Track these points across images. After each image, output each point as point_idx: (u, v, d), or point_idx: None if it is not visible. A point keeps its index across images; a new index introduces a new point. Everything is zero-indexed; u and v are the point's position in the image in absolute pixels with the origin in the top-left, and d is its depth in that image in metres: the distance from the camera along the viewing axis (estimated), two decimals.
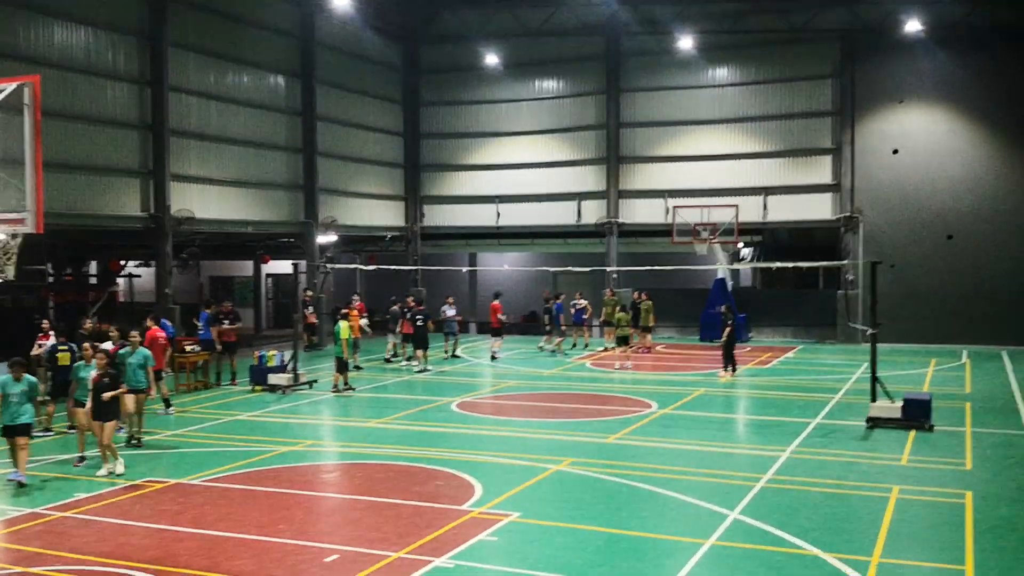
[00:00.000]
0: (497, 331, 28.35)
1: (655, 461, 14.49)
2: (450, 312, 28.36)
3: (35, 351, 19.68)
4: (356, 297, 28.31)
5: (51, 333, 20.01)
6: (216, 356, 23.12)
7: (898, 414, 16.90)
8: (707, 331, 32.32)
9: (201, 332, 23.09)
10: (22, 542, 10.59)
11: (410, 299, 27.70)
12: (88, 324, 21.02)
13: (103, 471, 13.82)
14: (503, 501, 12.13)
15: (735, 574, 9.51)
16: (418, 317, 25.82)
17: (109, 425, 13.96)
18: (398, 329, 27.38)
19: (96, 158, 24.78)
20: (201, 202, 27.81)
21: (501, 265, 39.79)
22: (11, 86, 9.15)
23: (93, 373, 14.34)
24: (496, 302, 28.66)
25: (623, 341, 26.52)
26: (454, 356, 28.49)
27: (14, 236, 9.63)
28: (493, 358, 27.86)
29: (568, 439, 16.28)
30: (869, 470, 13.92)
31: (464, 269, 39.11)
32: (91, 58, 24.72)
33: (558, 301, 29.92)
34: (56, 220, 21.45)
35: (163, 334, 19.89)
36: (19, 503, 12.30)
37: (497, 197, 36.96)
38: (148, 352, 16.48)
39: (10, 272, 9.95)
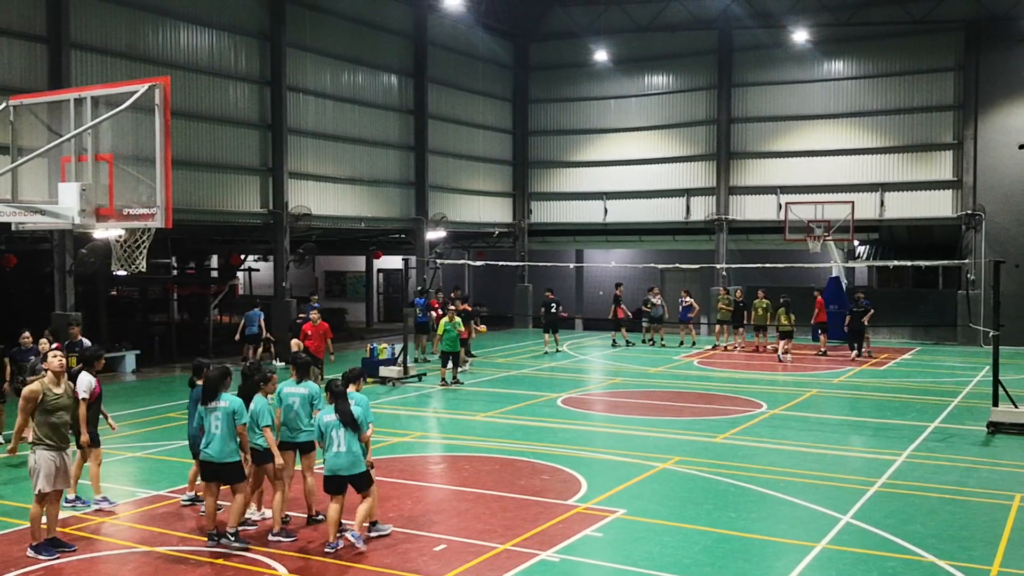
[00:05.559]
0: (823, 326, 28.22)
1: (764, 462, 14.28)
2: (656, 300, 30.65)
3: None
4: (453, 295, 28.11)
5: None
6: (428, 338, 24.44)
7: (1022, 419, 16.25)
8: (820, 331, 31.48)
9: (420, 316, 24.01)
10: (148, 522, 11.13)
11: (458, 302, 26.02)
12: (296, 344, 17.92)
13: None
14: (609, 497, 12.16)
15: None
16: (552, 305, 28.64)
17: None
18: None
19: (218, 156, 25.77)
20: (317, 199, 28.63)
21: (608, 262, 39.64)
22: (143, 87, 9.33)
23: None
24: (820, 297, 28.42)
25: (787, 335, 26.29)
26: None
27: (145, 231, 10.09)
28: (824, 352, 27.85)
29: (675, 437, 16.18)
30: (990, 476, 13.43)
31: (571, 265, 39.11)
32: (214, 59, 25.71)
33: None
34: (181, 215, 22.25)
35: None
36: (144, 485, 12.93)
37: (605, 193, 36.87)
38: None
39: (141, 264, 10.46)
